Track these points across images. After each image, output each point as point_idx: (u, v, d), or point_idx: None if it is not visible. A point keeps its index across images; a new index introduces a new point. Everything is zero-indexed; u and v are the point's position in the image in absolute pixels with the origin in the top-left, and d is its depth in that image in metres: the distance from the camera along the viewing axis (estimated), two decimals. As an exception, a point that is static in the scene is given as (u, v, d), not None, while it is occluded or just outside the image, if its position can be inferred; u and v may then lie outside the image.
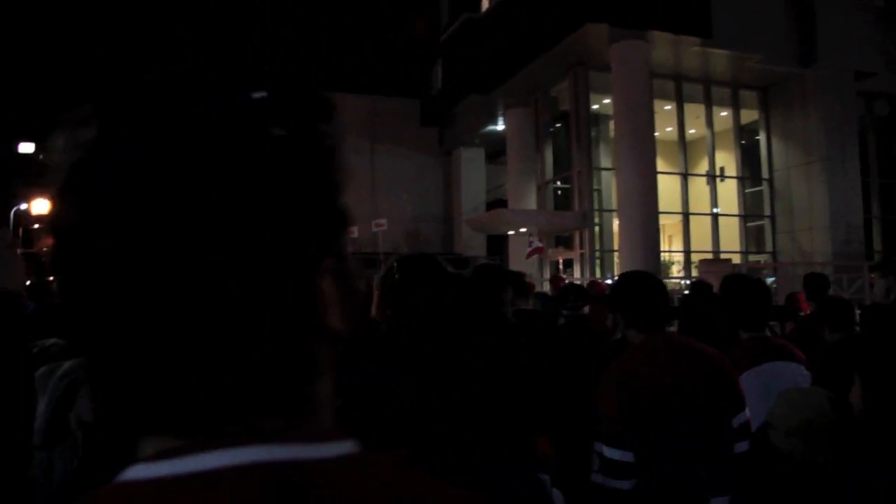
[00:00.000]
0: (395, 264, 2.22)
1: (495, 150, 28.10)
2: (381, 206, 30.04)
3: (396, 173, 30.65)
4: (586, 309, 5.68)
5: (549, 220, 21.85)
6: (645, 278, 2.93)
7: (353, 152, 33.55)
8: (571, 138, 22.05)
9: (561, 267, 22.52)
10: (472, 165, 29.85)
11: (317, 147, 0.61)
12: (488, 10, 23.35)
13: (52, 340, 3.74)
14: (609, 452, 2.56)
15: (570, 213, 21.53)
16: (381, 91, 31.52)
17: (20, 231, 54.37)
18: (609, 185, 21.77)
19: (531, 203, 23.53)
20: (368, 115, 31.06)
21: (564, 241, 23.15)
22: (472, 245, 28.36)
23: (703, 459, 2.56)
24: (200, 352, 0.53)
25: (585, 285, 11.55)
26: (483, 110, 25.30)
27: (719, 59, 20.11)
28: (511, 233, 22.98)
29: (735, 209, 23.08)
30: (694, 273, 20.20)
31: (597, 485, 2.60)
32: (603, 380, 2.71)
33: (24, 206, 52.57)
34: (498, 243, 27.48)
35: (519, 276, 5.87)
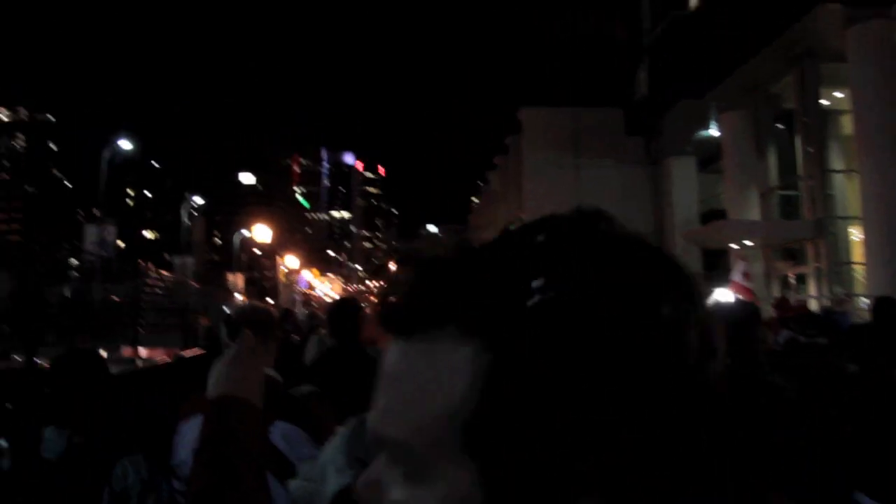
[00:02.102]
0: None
1: (709, 157, 26.32)
2: (586, 221, 29.16)
3: (602, 187, 29.62)
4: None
5: (777, 231, 19.99)
6: None
7: (557, 167, 33.10)
8: (798, 139, 20.03)
9: (793, 282, 20.40)
10: (683, 175, 28.20)
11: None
12: (698, 5, 21.78)
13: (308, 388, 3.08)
14: None
15: (801, 222, 19.49)
16: (583, 102, 30.79)
17: (243, 256, 58.92)
18: (844, 190, 19.48)
19: (753, 213, 21.64)
20: (571, 128, 30.40)
21: (792, 255, 21.03)
22: (686, 259, 26.58)
23: None
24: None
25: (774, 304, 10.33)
26: (695, 115, 23.76)
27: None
28: (733, 246, 21.17)
29: None
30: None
31: None
32: None
33: (246, 233, 57.01)
34: (715, 258, 25.70)
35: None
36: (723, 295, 17.40)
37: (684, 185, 28.28)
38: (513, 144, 36.44)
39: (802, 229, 19.26)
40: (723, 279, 22.11)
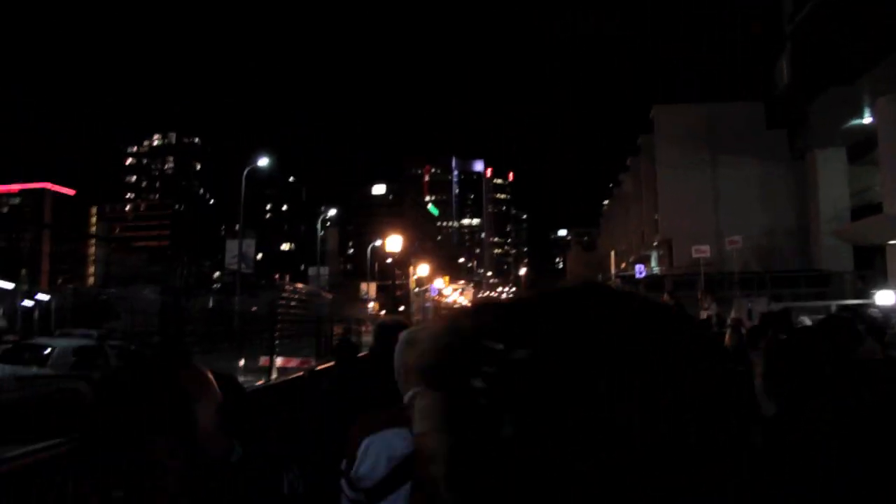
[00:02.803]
0: None
1: (861, 147, 24.49)
2: (725, 220, 27.84)
3: (741, 184, 28.35)
4: None
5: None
6: None
7: (692, 165, 31.84)
8: (966, 123, 18.26)
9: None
10: (831, 168, 26.43)
11: None
12: (848, -17, 20.15)
13: None
14: None
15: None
16: (719, 96, 29.61)
17: (375, 265, 59.90)
18: None
19: (914, 206, 19.85)
20: (707, 123, 29.20)
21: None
22: (835, 258, 25.09)
23: None
24: None
25: None
26: (844, 103, 22.13)
27: None
28: (892, 243, 19.51)
29: None
30: None
31: None
32: None
33: (378, 243, 57.97)
34: (869, 256, 23.84)
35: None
36: (883, 297, 15.95)
37: (833, 179, 26.54)
38: (645, 144, 35.43)
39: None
40: (880, 279, 20.44)
